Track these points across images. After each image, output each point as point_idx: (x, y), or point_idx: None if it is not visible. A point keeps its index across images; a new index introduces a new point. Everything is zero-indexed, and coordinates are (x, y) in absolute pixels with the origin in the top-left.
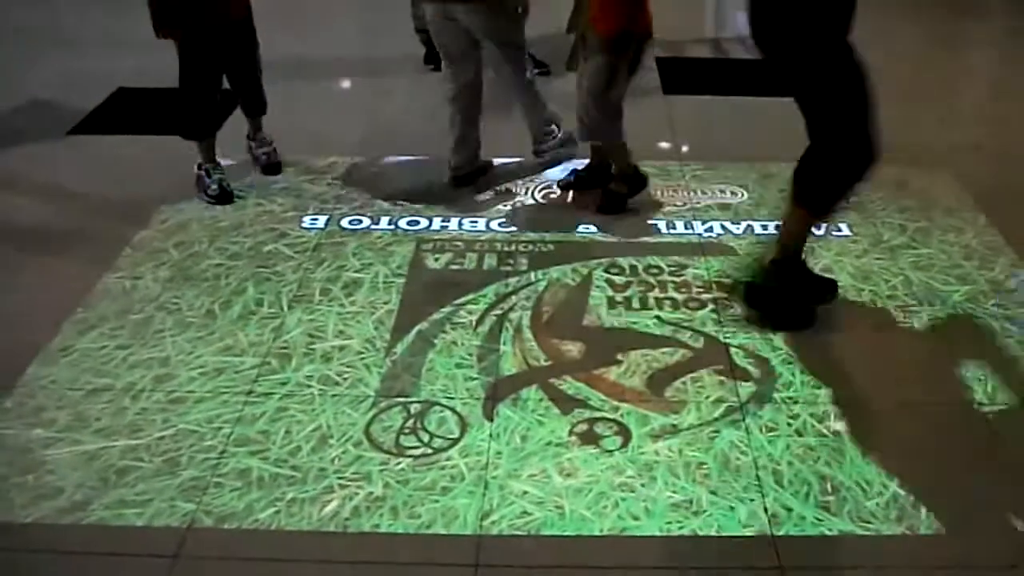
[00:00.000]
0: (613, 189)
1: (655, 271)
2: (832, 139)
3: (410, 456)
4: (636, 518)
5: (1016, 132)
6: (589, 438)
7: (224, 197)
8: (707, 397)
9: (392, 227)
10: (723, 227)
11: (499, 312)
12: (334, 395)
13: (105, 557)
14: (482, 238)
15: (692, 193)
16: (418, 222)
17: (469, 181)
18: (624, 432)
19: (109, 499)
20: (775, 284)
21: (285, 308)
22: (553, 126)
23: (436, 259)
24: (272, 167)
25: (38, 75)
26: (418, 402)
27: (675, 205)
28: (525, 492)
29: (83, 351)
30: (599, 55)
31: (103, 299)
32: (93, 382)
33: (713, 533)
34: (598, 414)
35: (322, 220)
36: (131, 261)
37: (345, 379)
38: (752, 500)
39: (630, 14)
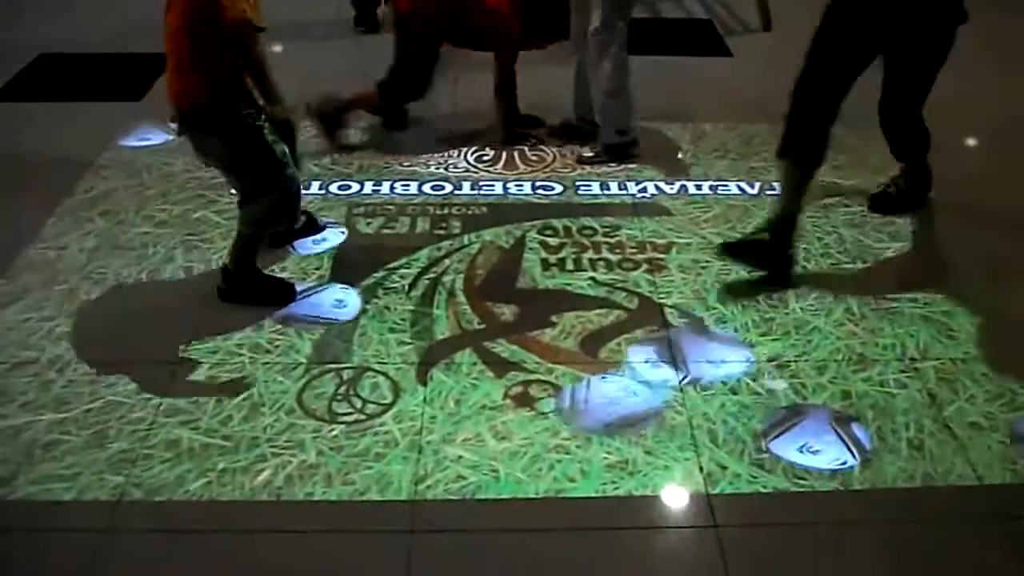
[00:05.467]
0: None
1: (589, 232)
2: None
3: (343, 423)
4: (572, 480)
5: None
6: (524, 401)
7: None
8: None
9: (323, 192)
10: (657, 187)
11: (432, 276)
12: (265, 363)
13: (33, 533)
14: (415, 201)
15: None
16: (349, 186)
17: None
18: (559, 394)
19: (36, 474)
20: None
21: (216, 276)
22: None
23: (368, 223)
24: None
25: None
26: (351, 368)
27: (609, 166)
28: (460, 456)
29: (7, 324)
30: None
31: (26, 270)
32: (17, 355)
33: (649, 493)
34: (533, 376)
35: None
36: (55, 231)
37: (276, 346)
38: (687, 459)
39: None
